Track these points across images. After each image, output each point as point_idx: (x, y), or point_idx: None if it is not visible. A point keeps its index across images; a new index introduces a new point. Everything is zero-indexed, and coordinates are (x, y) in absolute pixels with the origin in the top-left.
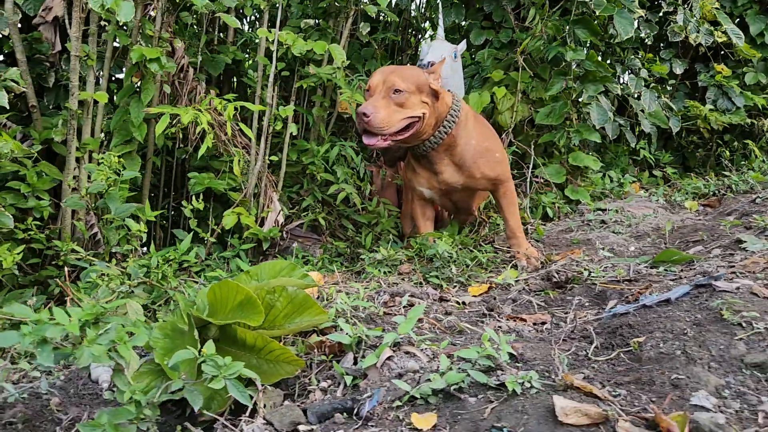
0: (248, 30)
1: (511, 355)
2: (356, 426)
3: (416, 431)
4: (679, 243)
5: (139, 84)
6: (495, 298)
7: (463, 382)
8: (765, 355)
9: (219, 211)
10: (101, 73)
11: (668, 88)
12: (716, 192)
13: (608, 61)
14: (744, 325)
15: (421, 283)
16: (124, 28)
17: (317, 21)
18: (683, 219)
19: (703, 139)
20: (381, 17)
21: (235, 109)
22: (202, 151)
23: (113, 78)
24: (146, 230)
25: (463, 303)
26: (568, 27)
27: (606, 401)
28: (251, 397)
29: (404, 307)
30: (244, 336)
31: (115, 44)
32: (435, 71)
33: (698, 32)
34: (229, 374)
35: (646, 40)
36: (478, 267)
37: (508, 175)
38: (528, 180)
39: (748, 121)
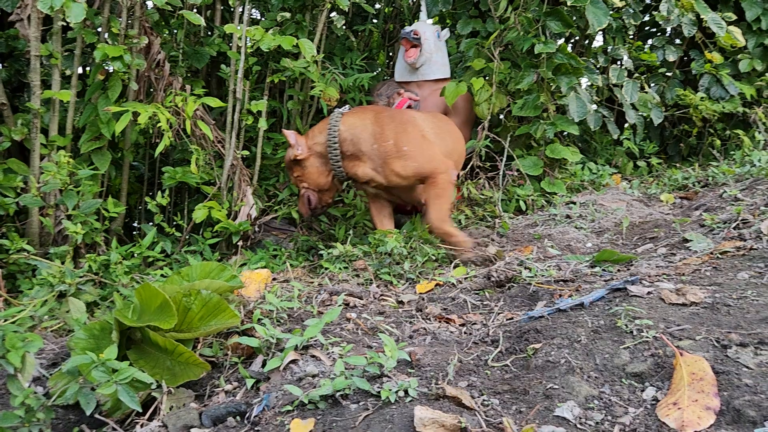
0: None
1: (407, 361)
2: (244, 430)
3: None
4: (637, 239)
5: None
6: (425, 298)
7: (348, 388)
8: (645, 364)
9: (196, 205)
10: (71, 70)
11: (668, 75)
12: (695, 184)
13: (592, 52)
14: (635, 333)
15: (371, 280)
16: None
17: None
18: (651, 213)
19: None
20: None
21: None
22: (159, 149)
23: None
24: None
25: (401, 302)
26: (540, 18)
27: (472, 411)
28: (153, 399)
29: (339, 306)
30: (156, 339)
31: None
32: (292, 145)
33: (680, 21)
34: (121, 379)
35: (630, 30)
36: (432, 263)
37: (430, 168)
38: (501, 173)
39: (741, 109)
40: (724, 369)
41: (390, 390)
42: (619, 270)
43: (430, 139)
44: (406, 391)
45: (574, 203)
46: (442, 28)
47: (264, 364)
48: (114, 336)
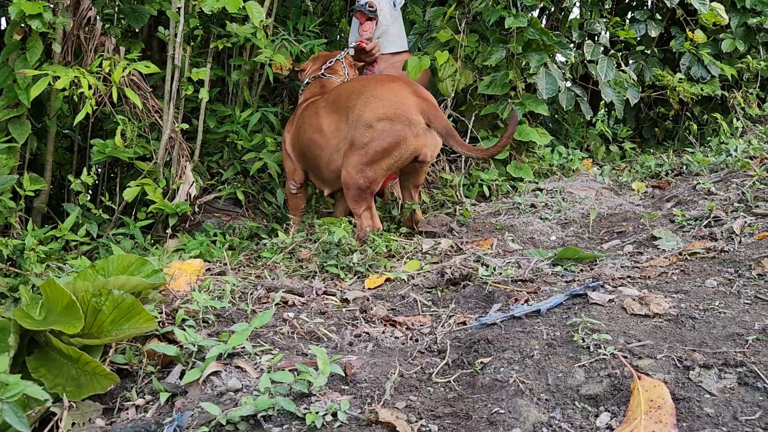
0: None
1: (341, 376)
2: None
3: None
4: (603, 233)
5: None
6: (372, 297)
7: (272, 408)
8: (601, 386)
9: (130, 182)
10: None
11: (646, 53)
12: (668, 173)
13: (566, 25)
14: (592, 349)
15: (316, 272)
16: None
17: None
18: (620, 204)
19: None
20: None
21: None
22: (78, 118)
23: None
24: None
25: (345, 300)
26: None
27: None
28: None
29: (276, 304)
30: (59, 346)
31: None
32: None
33: None
34: (8, 396)
35: (606, 2)
36: (383, 256)
37: None
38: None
39: (719, 92)
40: (685, 395)
41: (317, 413)
42: (581, 270)
43: None
44: (335, 414)
45: (541, 190)
46: None
47: (182, 375)
48: (12, 340)
